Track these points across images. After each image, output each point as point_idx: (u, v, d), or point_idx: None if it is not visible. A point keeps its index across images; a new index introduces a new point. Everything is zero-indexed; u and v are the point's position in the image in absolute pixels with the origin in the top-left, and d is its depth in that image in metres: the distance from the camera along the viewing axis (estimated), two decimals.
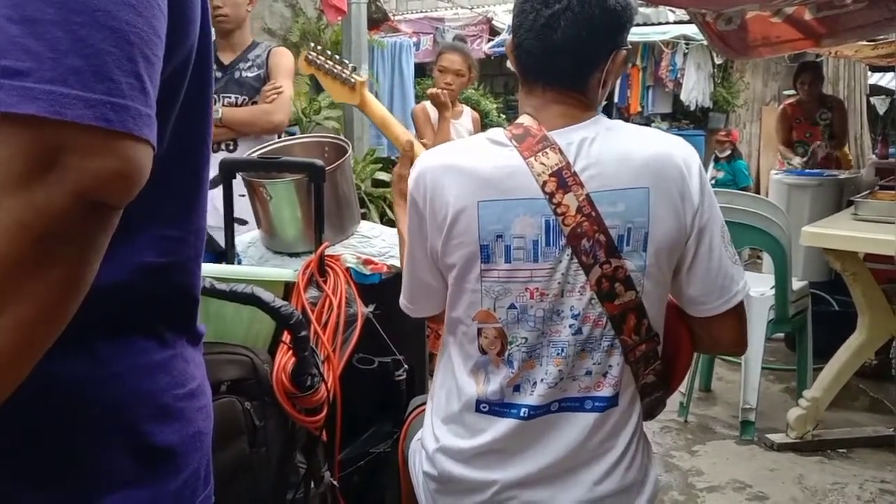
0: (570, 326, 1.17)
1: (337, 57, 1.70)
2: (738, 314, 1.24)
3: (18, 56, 0.53)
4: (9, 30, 0.53)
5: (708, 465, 3.04)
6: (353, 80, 1.65)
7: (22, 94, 0.53)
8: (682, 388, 3.18)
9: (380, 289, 1.86)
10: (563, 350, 1.18)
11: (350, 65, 1.68)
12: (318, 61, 1.67)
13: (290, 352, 1.48)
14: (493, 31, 9.09)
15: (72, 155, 0.55)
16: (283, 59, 2.78)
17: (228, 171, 1.94)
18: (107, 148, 0.56)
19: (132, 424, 0.70)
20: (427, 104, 3.59)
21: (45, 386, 0.62)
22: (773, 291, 3.27)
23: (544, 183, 1.14)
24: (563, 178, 1.14)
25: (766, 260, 4.45)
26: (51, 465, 0.67)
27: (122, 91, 0.57)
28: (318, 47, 1.76)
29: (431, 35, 8.69)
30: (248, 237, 2.13)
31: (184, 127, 0.73)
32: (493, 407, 1.20)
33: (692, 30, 7.24)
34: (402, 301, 1.34)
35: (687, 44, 8.35)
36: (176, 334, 0.76)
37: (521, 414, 1.18)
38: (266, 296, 1.45)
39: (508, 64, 8.64)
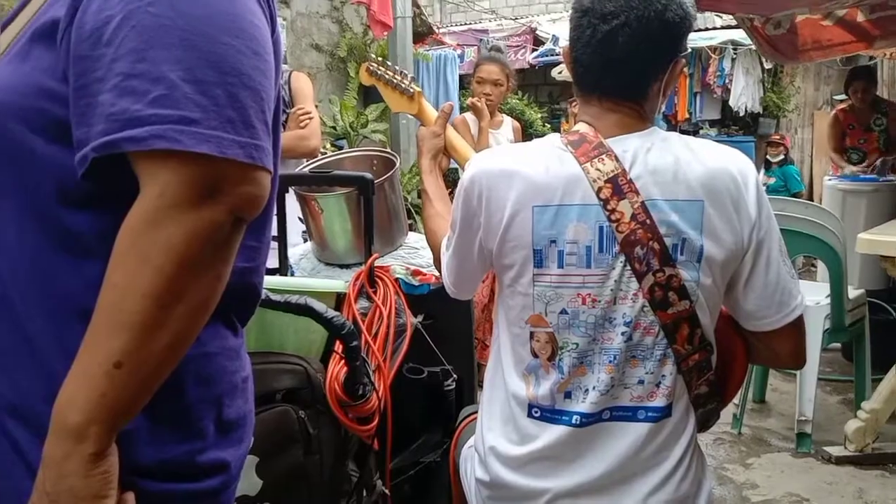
0: (623, 334, 1.17)
1: (396, 68, 1.73)
2: (797, 328, 1.23)
3: (191, 108, 0.72)
4: (183, 88, 0.72)
5: (763, 478, 2.97)
6: (411, 90, 1.67)
7: (196, 137, 0.71)
8: (736, 399, 3.12)
9: (428, 299, 1.88)
10: (615, 357, 1.17)
11: (409, 75, 1.71)
12: (379, 72, 1.71)
13: (343, 361, 1.51)
14: (537, 41, 9.10)
15: (228, 183, 0.73)
16: (307, 85, 2.88)
17: (281, 185, 1.98)
18: (251, 178, 0.75)
19: (217, 397, 0.85)
20: (467, 115, 3.62)
21: None
22: (828, 300, 3.19)
23: (599, 189, 1.14)
24: (619, 185, 1.14)
25: (821, 268, 4.35)
26: (169, 422, 0.81)
27: (259, 135, 0.76)
28: (379, 58, 1.80)
29: (476, 47, 8.74)
30: (300, 249, 2.18)
31: None
32: (545, 413, 1.21)
33: (740, 35, 7.13)
34: (447, 283, 1.37)
35: (735, 49, 8.22)
36: (242, 326, 0.92)
37: (573, 421, 1.18)
38: (319, 306, 1.48)
39: (553, 73, 8.62)
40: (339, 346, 1.53)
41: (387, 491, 1.68)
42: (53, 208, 0.77)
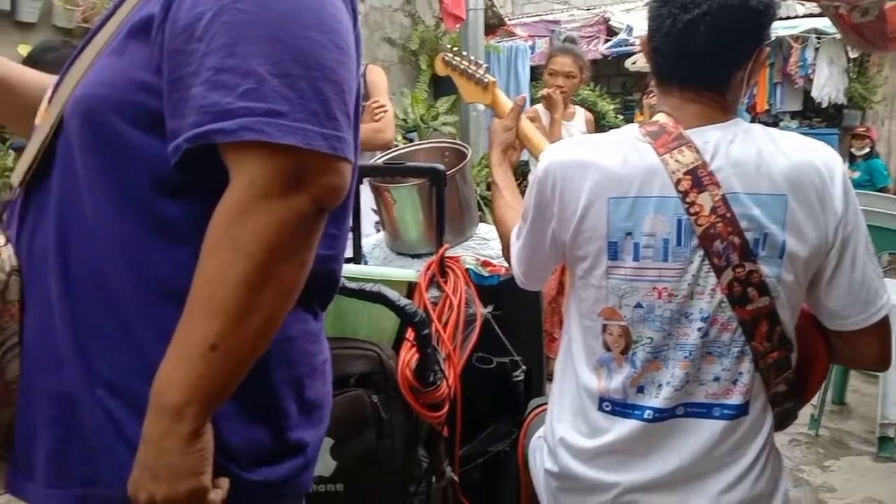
0: (699, 329, 1.15)
1: (472, 58, 1.74)
2: (883, 328, 1.19)
3: (279, 102, 0.75)
4: (271, 82, 0.75)
5: (841, 482, 2.88)
6: (485, 81, 1.69)
7: (283, 130, 0.74)
8: (814, 400, 3.02)
9: (498, 290, 1.88)
10: (690, 353, 1.16)
11: (483, 65, 1.72)
12: (454, 62, 1.73)
13: (414, 348, 1.54)
14: (611, 32, 8.95)
15: (313, 173, 0.77)
16: (381, 78, 2.92)
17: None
18: (333, 169, 0.79)
19: (298, 378, 0.89)
20: (539, 107, 3.60)
21: None
22: None
23: (678, 181, 1.12)
24: (699, 177, 1.12)
25: None
26: (255, 402, 0.84)
27: (341, 127, 0.80)
28: (455, 48, 1.82)
29: (547, 38, 8.66)
30: (373, 239, 2.22)
31: None
32: (616, 406, 1.20)
33: (824, 23, 6.86)
34: (517, 273, 1.38)
35: (818, 38, 7.90)
36: (321, 311, 0.96)
37: (646, 416, 1.18)
38: (392, 294, 1.51)
39: (626, 64, 8.46)
40: (410, 334, 1.55)
41: (456, 478, 1.70)
42: (147, 195, 0.82)
